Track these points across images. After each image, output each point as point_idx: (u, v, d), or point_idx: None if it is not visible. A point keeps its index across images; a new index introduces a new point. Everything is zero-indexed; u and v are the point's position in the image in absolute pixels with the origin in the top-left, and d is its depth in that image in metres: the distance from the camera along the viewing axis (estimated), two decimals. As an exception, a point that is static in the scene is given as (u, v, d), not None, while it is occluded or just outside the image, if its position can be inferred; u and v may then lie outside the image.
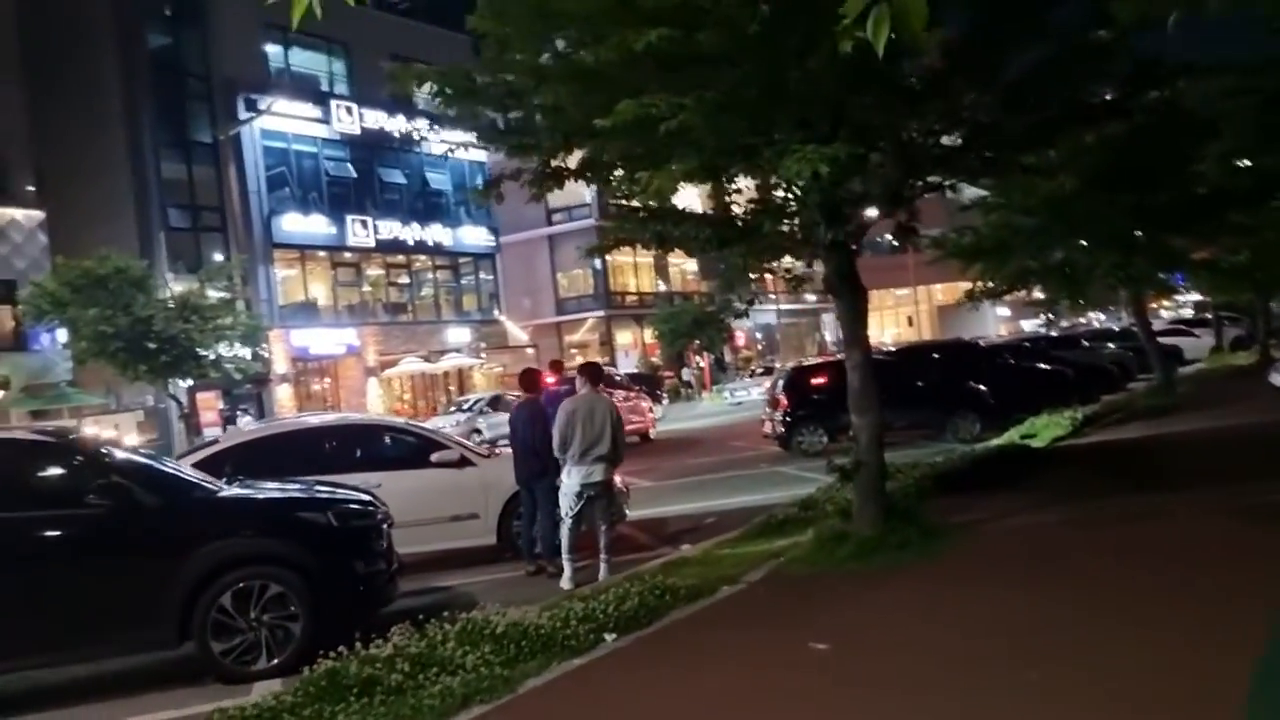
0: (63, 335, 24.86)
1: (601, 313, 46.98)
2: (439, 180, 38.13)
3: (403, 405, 36.59)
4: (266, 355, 31.23)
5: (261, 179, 31.92)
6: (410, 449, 10.09)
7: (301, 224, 32.69)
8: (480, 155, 32.73)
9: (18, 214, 26.08)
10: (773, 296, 59.05)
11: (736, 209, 8.61)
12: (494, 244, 40.55)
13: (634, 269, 49.81)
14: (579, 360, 47.52)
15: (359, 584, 7.04)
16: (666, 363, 47.26)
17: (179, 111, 31.28)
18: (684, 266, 53.13)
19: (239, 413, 28.24)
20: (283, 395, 31.98)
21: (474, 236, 39.45)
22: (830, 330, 61.69)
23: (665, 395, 39.68)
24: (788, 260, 10.12)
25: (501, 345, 41.27)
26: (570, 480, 8.46)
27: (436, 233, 37.47)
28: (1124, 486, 9.78)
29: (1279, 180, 15.28)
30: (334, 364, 34.95)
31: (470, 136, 9.52)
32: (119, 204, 29.32)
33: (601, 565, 8.56)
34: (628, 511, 10.71)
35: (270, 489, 7.55)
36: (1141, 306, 18.20)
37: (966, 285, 19.33)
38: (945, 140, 8.01)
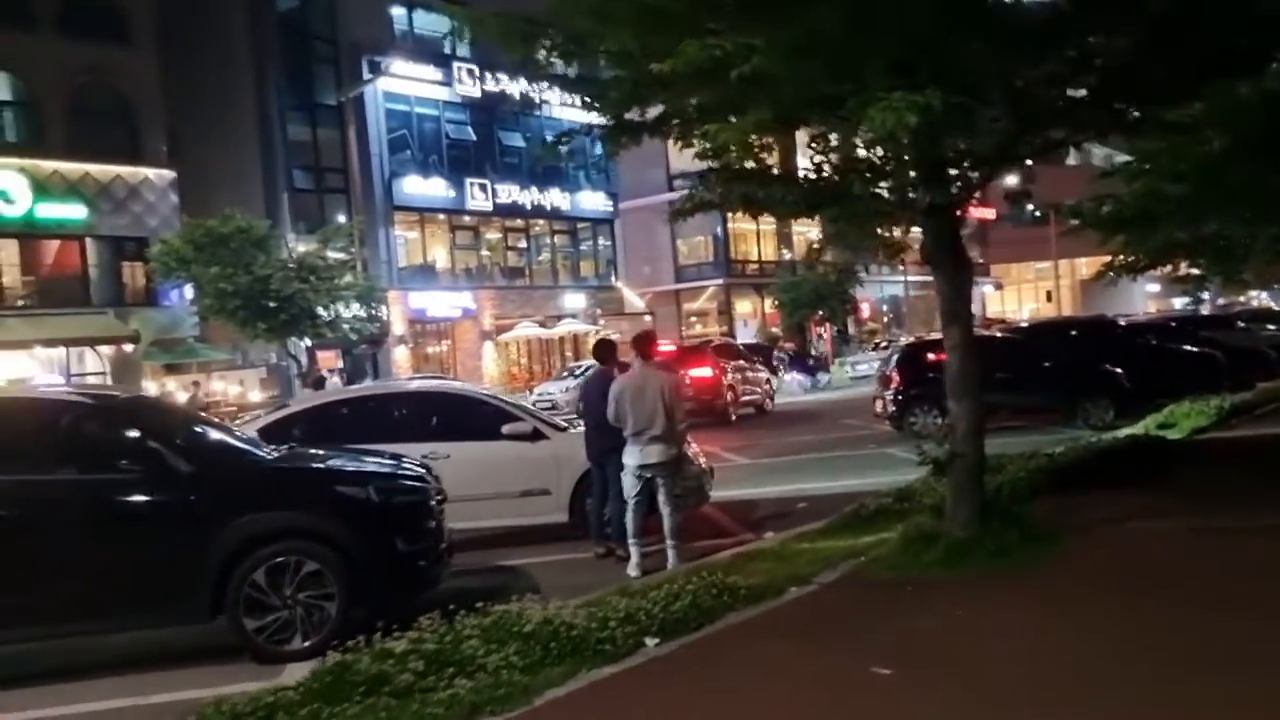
0: (190, 292, 25.71)
1: (720, 281, 46.11)
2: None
3: (517, 369, 36.79)
4: (384, 316, 31.82)
5: (383, 141, 32.30)
6: (484, 420, 9.67)
7: (421, 186, 32.96)
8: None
9: (150, 173, 27.03)
10: (901, 268, 57.21)
11: (826, 169, 7.76)
12: (612, 209, 40.16)
13: (756, 236, 48.67)
14: (699, 329, 47.37)
15: (400, 563, 6.64)
16: (787, 333, 46.10)
17: (305, 74, 31.89)
18: (809, 234, 51.69)
19: (330, 374, 28.67)
20: (399, 356, 32.47)
21: (592, 201, 39.14)
22: (961, 303, 59.11)
23: (781, 365, 38.61)
24: (897, 228, 9.18)
25: (618, 312, 40.97)
26: (629, 460, 7.90)
27: (555, 197, 37.30)
28: (1274, 493, 8.56)
29: None
30: (450, 326, 35.30)
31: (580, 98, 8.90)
32: (247, 165, 30.14)
33: (669, 552, 7.97)
34: (711, 492, 10.10)
35: (316, 458, 7.24)
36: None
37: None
38: (1069, 90, 6.96)
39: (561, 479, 9.34)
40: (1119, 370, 15.93)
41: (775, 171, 8.12)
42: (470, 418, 9.72)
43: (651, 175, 36.99)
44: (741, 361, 24.26)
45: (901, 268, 56.95)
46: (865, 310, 52.65)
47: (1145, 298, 59.14)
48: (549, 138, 9.74)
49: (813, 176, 7.72)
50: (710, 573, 6.35)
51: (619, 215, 40.82)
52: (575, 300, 38.86)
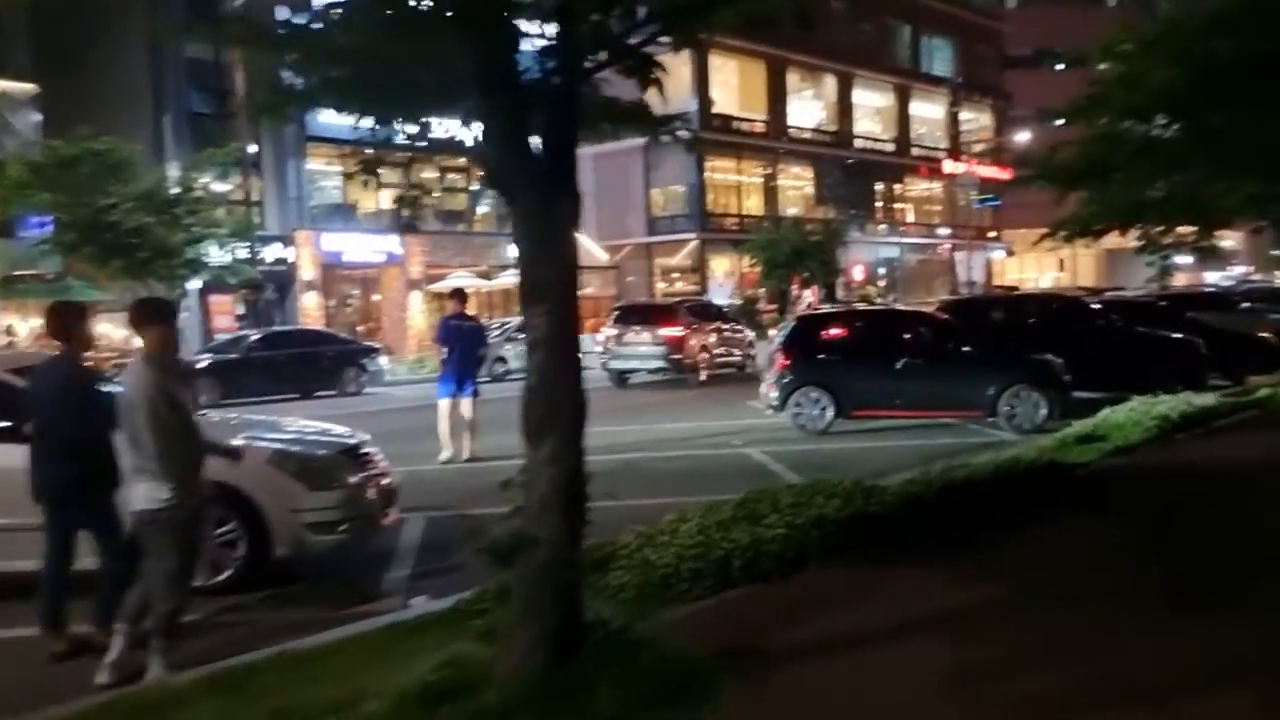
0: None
1: (694, 235, 42.57)
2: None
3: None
4: (290, 259, 28.82)
5: (296, 62, 28.92)
6: None
7: (339, 115, 29.54)
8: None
9: (7, 86, 23.91)
10: (901, 229, 53.40)
11: None
12: (569, 150, 36.63)
13: (738, 189, 45.05)
14: (678, 286, 43.85)
15: None
16: (771, 295, 42.60)
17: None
18: (805, 190, 48.05)
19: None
20: (309, 303, 29.44)
21: (547, 142, 35.62)
22: (964, 269, 55.38)
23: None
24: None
25: (573, 264, 37.62)
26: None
27: (501, 135, 33.81)
28: (1168, 587, 5.36)
29: None
30: (375, 273, 32.21)
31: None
32: (138, 85, 26.93)
33: (151, 658, 4.89)
34: (392, 515, 7.12)
35: None
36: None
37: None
38: None
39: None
40: (1059, 360, 12.64)
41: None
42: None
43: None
44: (720, 322, 23.28)
45: (901, 229, 53.53)
46: (859, 273, 49.09)
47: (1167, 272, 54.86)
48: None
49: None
50: None
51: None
52: (523, 250, 35.54)
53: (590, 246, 40.38)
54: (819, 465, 10.12)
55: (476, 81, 3.84)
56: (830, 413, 12.79)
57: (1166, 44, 10.25)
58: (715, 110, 42.20)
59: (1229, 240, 44.23)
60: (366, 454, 7.31)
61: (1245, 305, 21.99)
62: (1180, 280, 48.50)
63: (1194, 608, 4.86)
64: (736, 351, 23.34)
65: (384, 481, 7.28)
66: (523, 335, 18.23)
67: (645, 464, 11.02)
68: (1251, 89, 9.35)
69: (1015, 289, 42.25)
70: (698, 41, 5.20)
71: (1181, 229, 12.87)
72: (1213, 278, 49.46)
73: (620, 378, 21.32)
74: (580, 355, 3.97)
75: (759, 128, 44.25)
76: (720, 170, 43.88)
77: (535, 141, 4.03)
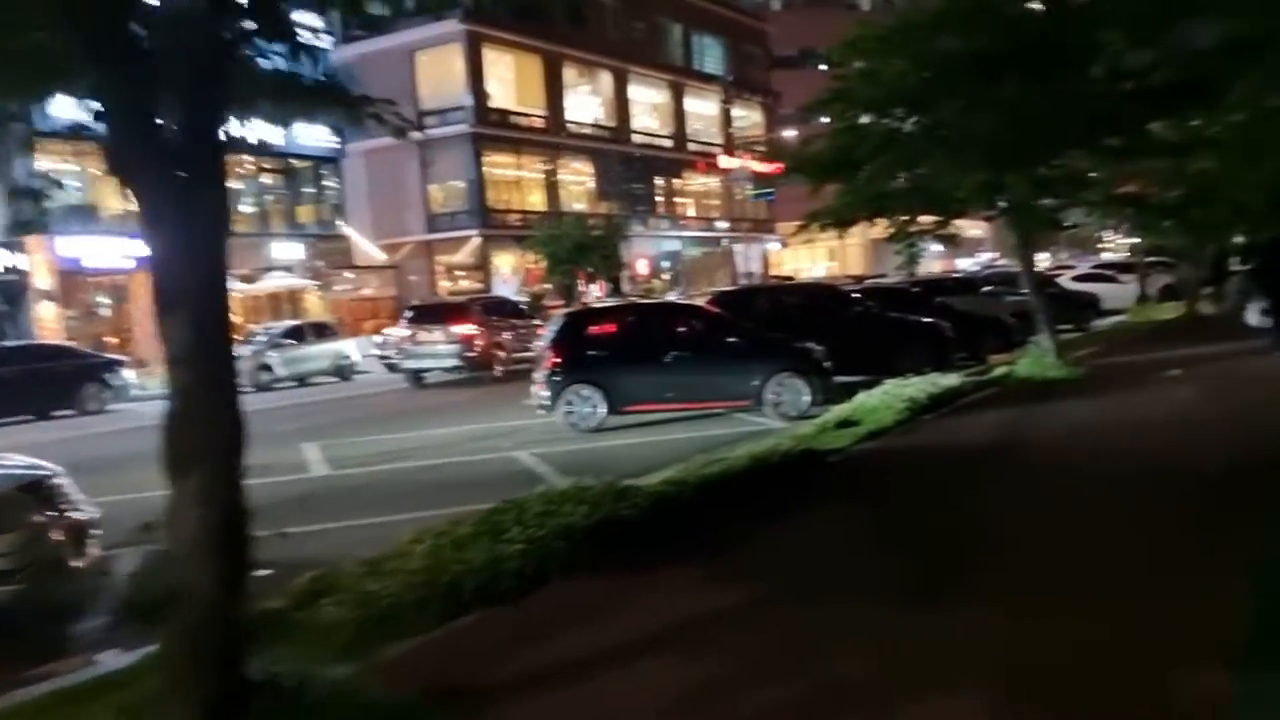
0: None
1: (476, 231, 41.68)
2: (269, 65, 32.27)
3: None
4: (21, 267, 25.96)
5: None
6: None
7: (70, 108, 26.86)
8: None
9: None
10: (682, 223, 54.44)
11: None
12: (338, 145, 34.96)
13: (518, 184, 44.50)
14: (464, 283, 42.78)
15: None
16: (558, 291, 42.27)
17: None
18: (587, 186, 48.00)
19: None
20: (46, 314, 26.58)
21: (311, 136, 33.77)
22: (743, 261, 57.21)
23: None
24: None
25: (344, 264, 36.04)
26: None
27: (261, 128, 31.73)
28: (905, 579, 5.34)
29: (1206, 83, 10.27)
30: (125, 280, 29.50)
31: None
32: None
33: None
34: (83, 562, 6.17)
35: None
36: (1025, 244, 13.57)
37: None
38: None
39: None
40: (820, 346, 12.91)
41: None
42: None
43: (402, 113, 32.05)
44: (515, 319, 23.57)
45: (682, 222, 54.58)
46: (643, 267, 49.68)
47: (929, 259, 58.67)
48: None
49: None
50: None
51: (345, 154, 35.64)
52: (290, 250, 33.63)
53: (366, 246, 38.81)
54: (588, 465, 9.84)
55: (84, 48, 3.19)
56: (602, 410, 12.56)
57: (899, 40, 10.58)
58: (493, 104, 41.49)
59: (975, 229, 47.86)
60: (52, 488, 6.34)
61: (987, 289, 23.68)
62: (936, 267, 52.08)
63: (929, 599, 4.82)
64: (533, 348, 23.07)
65: (76, 518, 6.34)
66: (290, 341, 17.13)
67: (402, 475, 10.38)
68: (973, 84, 9.77)
69: (791, 279, 43.92)
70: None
71: (925, 218, 13.39)
72: (964, 264, 53.37)
73: (416, 378, 21.34)
74: (235, 372, 3.39)
75: (538, 123, 43.85)
76: (500, 166, 43.17)
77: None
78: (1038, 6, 11.29)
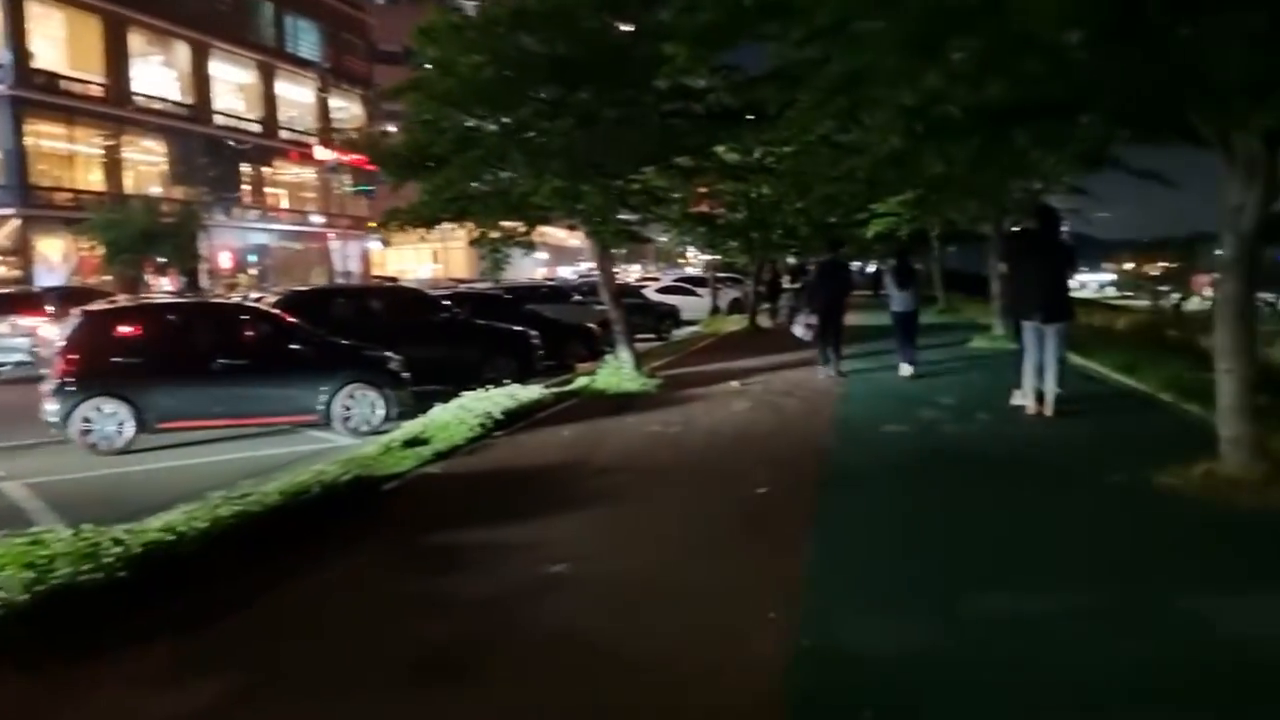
0: None
1: (14, 211, 35.59)
2: None
3: None
4: None
5: None
6: None
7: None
8: None
9: None
10: (273, 215, 50.59)
11: None
12: None
13: (71, 160, 38.75)
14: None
15: None
16: (124, 283, 37.08)
17: None
18: (159, 168, 42.82)
19: None
20: None
21: None
22: (341, 259, 54.53)
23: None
24: None
25: None
26: None
27: None
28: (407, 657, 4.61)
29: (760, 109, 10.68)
30: None
31: None
32: None
33: None
34: None
35: None
36: (605, 255, 13.66)
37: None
38: None
39: None
40: (397, 356, 12.00)
41: None
42: None
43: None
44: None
45: (273, 214, 50.74)
46: (227, 260, 45.49)
47: (534, 265, 59.44)
48: None
49: None
50: None
51: None
52: None
53: None
54: (98, 499, 8.23)
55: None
56: (130, 428, 10.69)
57: (478, 33, 10.02)
58: (38, 65, 35.75)
59: (575, 239, 49.26)
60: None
61: (577, 298, 24.22)
62: (540, 274, 53.07)
63: (451, 677, 4.13)
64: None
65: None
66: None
67: None
68: (552, 89, 9.45)
69: (395, 280, 42.37)
70: None
71: (508, 224, 12.98)
72: (564, 272, 54.95)
73: None
74: None
75: (95, 91, 38.45)
76: (48, 136, 37.29)
77: None
78: (619, 24, 11.32)
